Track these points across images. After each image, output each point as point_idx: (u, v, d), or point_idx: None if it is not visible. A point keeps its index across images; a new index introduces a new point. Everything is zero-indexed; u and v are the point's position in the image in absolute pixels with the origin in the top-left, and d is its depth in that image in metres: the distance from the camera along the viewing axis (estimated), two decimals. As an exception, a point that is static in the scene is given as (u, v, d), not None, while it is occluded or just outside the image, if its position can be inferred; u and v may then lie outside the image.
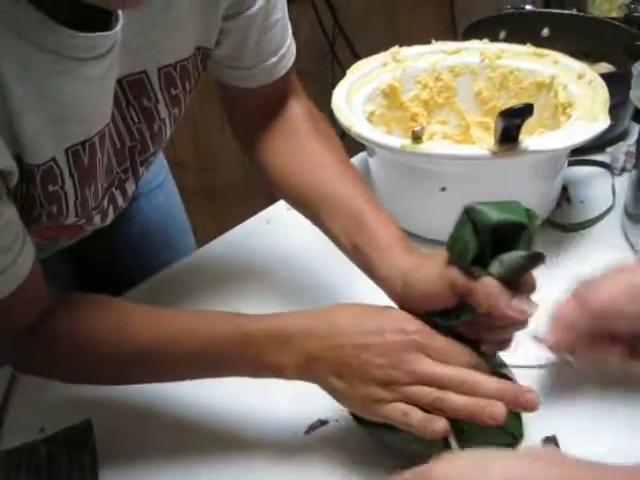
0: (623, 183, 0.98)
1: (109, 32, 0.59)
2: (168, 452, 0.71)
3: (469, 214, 0.58)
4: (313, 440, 0.71)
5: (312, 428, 0.72)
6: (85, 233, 0.82)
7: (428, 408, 0.59)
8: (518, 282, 0.58)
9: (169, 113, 0.73)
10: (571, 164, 1.05)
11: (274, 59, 0.77)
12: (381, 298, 0.68)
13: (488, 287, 0.57)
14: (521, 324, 0.60)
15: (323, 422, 0.72)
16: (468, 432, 0.60)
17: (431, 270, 0.62)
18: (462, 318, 0.61)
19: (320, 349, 0.62)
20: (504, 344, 0.63)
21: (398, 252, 0.67)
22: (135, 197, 0.98)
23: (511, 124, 0.76)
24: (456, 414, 0.58)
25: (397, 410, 0.60)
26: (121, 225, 0.96)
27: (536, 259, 0.57)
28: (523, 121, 0.76)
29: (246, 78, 0.78)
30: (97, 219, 0.75)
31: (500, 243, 0.58)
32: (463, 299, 0.60)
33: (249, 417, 0.73)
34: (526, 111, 0.74)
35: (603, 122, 0.83)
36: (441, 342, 0.61)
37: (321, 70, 1.67)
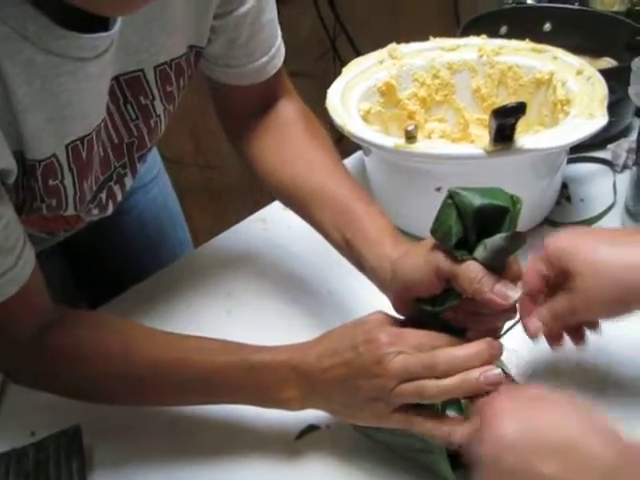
0: (625, 180, 0.96)
1: (110, 32, 0.60)
2: (157, 458, 0.71)
3: (453, 198, 0.58)
4: (304, 445, 0.70)
5: (303, 433, 0.71)
6: (83, 225, 0.83)
7: (423, 402, 0.58)
8: (503, 267, 0.57)
9: (164, 109, 0.74)
10: (572, 161, 1.03)
11: (264, 59, 0.78)
12: (376, 295, 0.68)
13: (471, 271, 0.57)
14: (506, 311, 0.59)
15: (314, 427, 0.71)
16: None
17: (417, 257, 0.61)
18: (447, 304, 0.60)
19: (314, 379, 0.63)
20: (491, 333, 0.62)
21: (387, 243, 0.67)
22: (130, 192, 0.98)
23: (504, 123, 0.75)
24: (450, 395, 0.58)
25: (401, 421, 0.60)
26: (116, 219, 0.97)
27: (516, 239, 0.56)
28: (517, 120, 0.75)
29: (237, 76, 0.79)
30: (95, 211, 0.76)
31: (485, 228, 0.57)
32: (448, 284, 0.59)
33: (240, 422, 0.72)
34: (519, 110, 0.72)
35: (600, 119, 0.81)
36: (412, 336, 0.60)
37: (322, 67, 1.66)
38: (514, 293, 0.57)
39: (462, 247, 0.59)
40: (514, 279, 0.58)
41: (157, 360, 0.67)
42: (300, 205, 0.76)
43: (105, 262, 1.03)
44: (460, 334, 0.61)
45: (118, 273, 0.97)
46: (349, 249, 0.70)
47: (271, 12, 0.76)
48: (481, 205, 0.57)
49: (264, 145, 0.81)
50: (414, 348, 0.59)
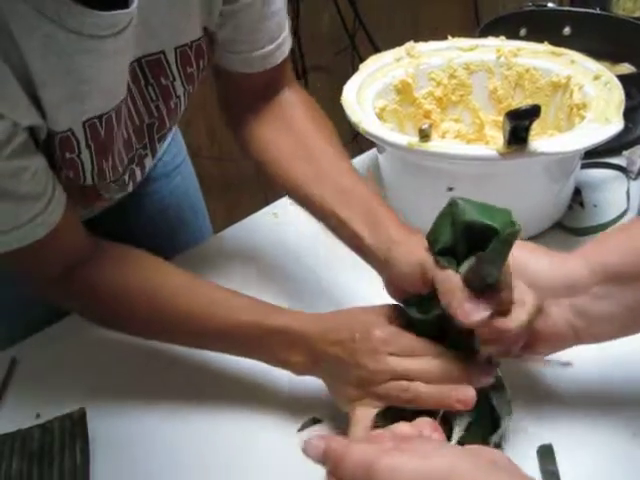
0: (639, 188, 0.96)
1: (128, 9, 0.61)
2: (160, 444, 0.71)
3: (451, 207, 0.58)
4: (306, 438, 0.70)
5: (305, 426, 0.71)
6: (103, 204, 0.85)
7: (400, 404, 0.60)
8: (484, 288, 0.56)
9: (184, 90, 0.75)
10: (586, 167, 1.03)
11: (271, 46, 0.78)
12: (377, 287, 0.68)
13: (450, 282, 0.57)
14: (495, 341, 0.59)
15: (317, 420, 0.71)
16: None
17: (412, 251, 0.62)
18: (432, 313, 0.60)
19: (316, 350, 0.66)
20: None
21: (389, 225, 0.68)
22: (154, 178, 1.01)
23: (519, 125, 0.74)
24: (424, 404, 0.59)
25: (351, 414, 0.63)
26: (138, 204, 0.99)
27: (480, 266, 0.55)
28: (531, 122, 0.74)
29: (243, 62, 0.79)
30: (115, 187, 0.78)
31: (477, 245, 0.56)
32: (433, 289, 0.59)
33: (243, 413, 0.73)
34: (533, 112, 0.72)
35: (616, 125, 0.81)
36: (406, 340, 0.62)
37: (341, 63, 1.66)
38: (477, 314, 0.55)
39: (451, 256, 0.59)
40: (497, 304, 0.57)
41: (182, 309, 0.70)
42: (300, 190, 0.77)
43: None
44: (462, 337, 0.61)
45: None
46: (347, 229, 0.70)
47: (280, 2, 0.77)
48: (470, 221, 0.56)
49: (267, 133, 0.82)
50: (405, 351, 0.61)
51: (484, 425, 0.63)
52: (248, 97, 0.83)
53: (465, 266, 0.57)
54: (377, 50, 1.08)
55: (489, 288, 0.56)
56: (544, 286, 0.60)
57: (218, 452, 0.70)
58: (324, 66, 1.56)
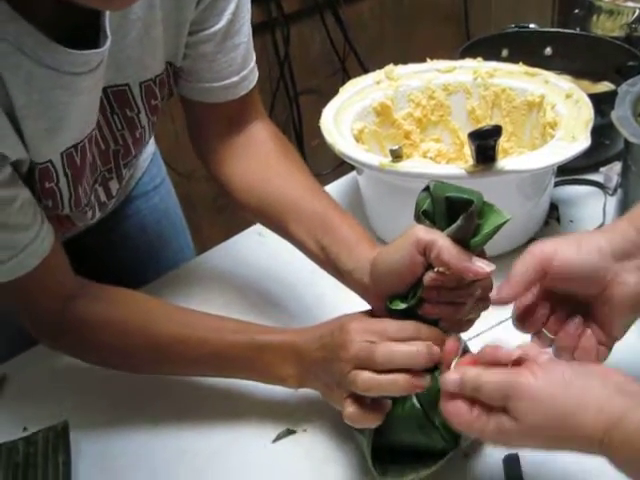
0: (616, 203, 0.98)
1: (100, 49, 0.64)
2: (139, 456, 0.74)
3: (428, 188, 0.62)
4: (280, 449, 0.73)
5: (280, 437, 0.74)
6: (77, 229, 0.88)
7: (359, 393, 0.62)
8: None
9: (149, 120, 0.78)
10: (564, 183, 1.05)
11: (235, 78, 0.80)
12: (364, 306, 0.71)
13: (448, 242, 0.59)
14: (482, 300, 0.62)
15: (291, 431, 0.74)
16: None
17: (395, 243, 0.63)
18: (418, 294, 0.62)
19: (305, 360, 0.69)
20: (465, 325, 0.65)
21: (364, 247, 0.70)
22: (132, 198, 1.04)
23: (484, 145, 0.77)
24: (380, 392, 0.62)
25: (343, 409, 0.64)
26: (118, 224, 1.02)
27: (470, 214, 0.58)
28: (495, 142, 0.77)
29: (206, 93, 0.81)
30: (89, 214, 0.81)
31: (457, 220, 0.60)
32: (426, 257, 0.61)
33: (219, 425, 0.76)
34: (494, 132, 0.75)
35: (582, 143, 0.83)
36: (377, 324, 0.64)
37: (332, 87, 1.68)
38: (489, 266, 0.59)
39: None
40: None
41: (175, 337, 0.73)
42: (275, 219, 0.79)
43: (107, 266, 1.05)
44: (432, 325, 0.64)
45: (120, 277, 1.00)
46: (325, 255, 0.73)
47: (244, 36, 0.79)
48: (449, 196, 0.60)
49: (238, 164, 0.84)
50: (379, 336, 0.62)
51: None
52: (214, 128, 0.84)
53: (449, 230, 0.60)
54: (368, 73, 1.11)
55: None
56: (606, 253, 0.61)
57: (197, 463, 0.73)
58: (315, 89, 1.59)
